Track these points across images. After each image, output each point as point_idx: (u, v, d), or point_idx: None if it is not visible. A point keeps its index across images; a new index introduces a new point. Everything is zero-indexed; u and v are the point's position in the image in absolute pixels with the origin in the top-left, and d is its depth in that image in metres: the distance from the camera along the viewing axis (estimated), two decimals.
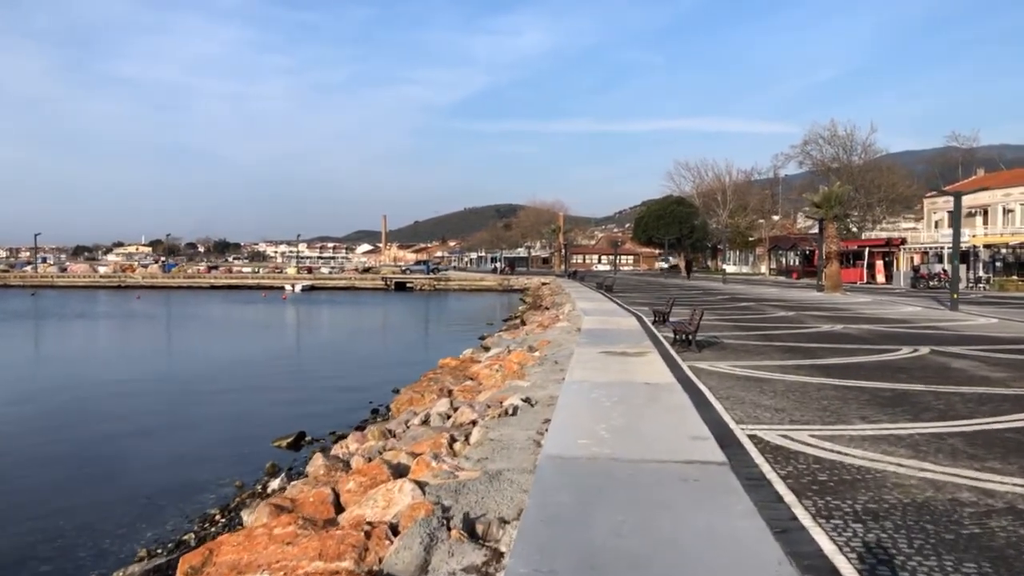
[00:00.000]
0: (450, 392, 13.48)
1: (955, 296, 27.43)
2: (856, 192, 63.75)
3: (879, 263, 60.68)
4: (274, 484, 10.74)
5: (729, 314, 26.13)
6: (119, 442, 14.72)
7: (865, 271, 59.99)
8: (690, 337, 15.41)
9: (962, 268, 49.45)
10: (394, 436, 10.39)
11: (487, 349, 21.96)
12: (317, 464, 9.06)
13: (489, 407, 10.31)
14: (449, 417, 10.45)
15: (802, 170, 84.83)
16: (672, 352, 15.17)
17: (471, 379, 15.58)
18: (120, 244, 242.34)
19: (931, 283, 48.01)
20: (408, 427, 10.59)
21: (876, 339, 18.01)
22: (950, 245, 56.69)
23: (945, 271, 49.42)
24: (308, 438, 13.99)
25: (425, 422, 10.40)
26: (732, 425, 8.48)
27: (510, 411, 9.95)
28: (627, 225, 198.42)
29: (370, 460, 8.76)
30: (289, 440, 13.64)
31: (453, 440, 8.75)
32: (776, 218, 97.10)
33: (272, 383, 22.23)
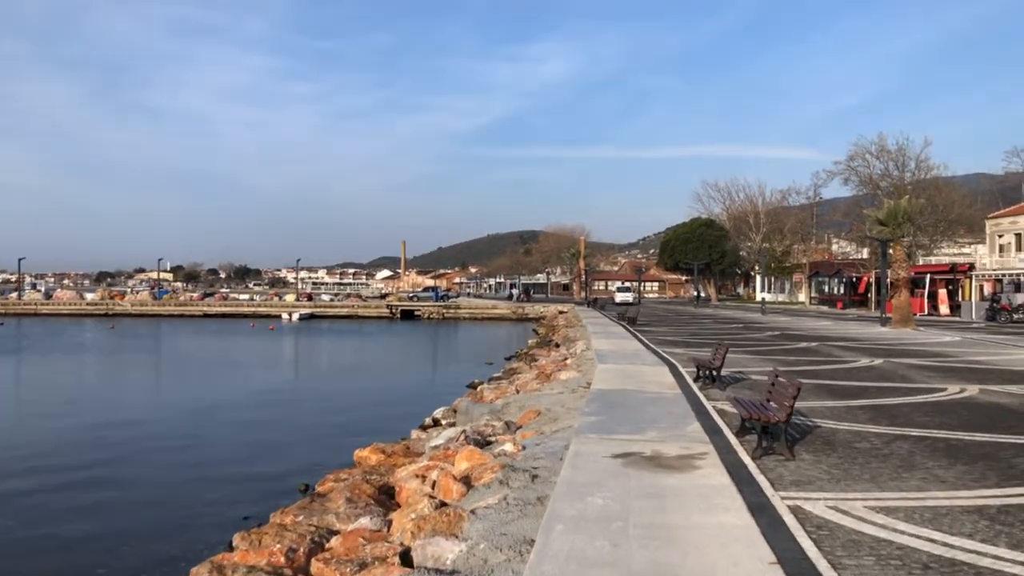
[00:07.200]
0: (310, 554, 6.89)
1: None
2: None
3: (942, 292, 53.23)
4: None
5: (794, 363, 19.27)
6: None
7: (926, 301, 52.48)
8: (772, 429, 8.66)
9: None
10: None
11: (452, 424, 15.39)
12: None
13: None
14: None
15: (843, 191, 77.31)
16: (742, 455, 8.50)
17: (384, 498, 8.98)
18: (142, 270, 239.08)
19: (1015, 316, 40.49)
20: None
21: None
22: None
23: None
24: None
25: None
26: None
27: None
28: (651, 251, 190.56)
29: None
30: None
31: None
32: (813, 243, 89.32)
33: (133, 469, 14.95)
